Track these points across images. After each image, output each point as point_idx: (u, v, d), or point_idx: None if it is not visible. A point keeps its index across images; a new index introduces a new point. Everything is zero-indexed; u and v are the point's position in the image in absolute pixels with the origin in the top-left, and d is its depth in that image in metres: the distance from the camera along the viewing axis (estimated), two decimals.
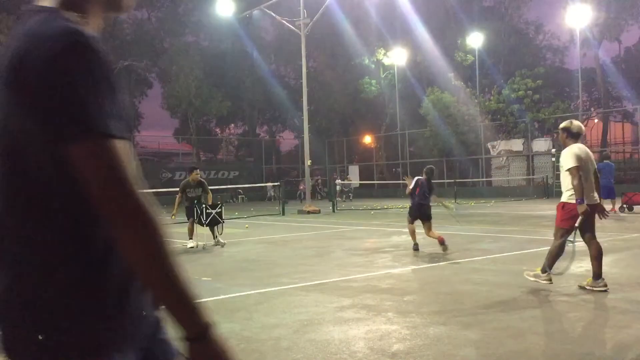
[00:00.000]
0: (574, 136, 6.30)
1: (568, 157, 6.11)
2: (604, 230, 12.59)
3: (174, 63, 39.27)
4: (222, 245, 11.62)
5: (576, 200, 6.00)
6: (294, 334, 4.76)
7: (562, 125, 6.50)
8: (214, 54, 43.62)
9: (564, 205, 6.21)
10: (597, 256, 6.11)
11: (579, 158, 6.05)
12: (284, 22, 25.82)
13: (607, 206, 17.08)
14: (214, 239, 11.73)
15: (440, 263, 8.47)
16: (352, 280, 7.20)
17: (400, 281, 7.08)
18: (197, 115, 41.97)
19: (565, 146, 6.34)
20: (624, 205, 17.72)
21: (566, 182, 6.20)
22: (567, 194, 6.17)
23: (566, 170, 6.13)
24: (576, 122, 6.44)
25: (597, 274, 6.07)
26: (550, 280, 6.22)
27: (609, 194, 16.94)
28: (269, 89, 44.79)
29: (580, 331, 4.59)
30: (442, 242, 9.33)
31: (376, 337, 4.57)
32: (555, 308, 5.56)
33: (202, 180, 12.18)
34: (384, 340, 4.48)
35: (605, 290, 5.99)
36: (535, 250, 9.28)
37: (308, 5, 25.02)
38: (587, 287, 6.13)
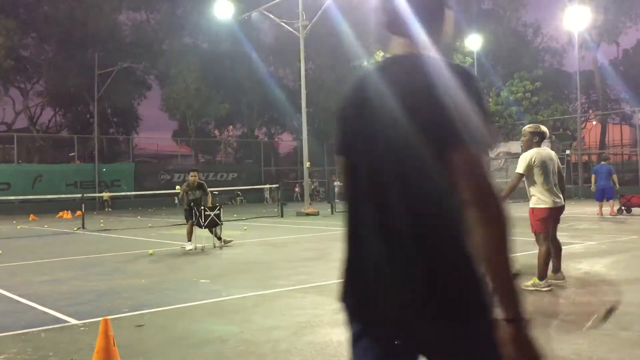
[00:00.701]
0: (542, 139, 6.45)
1: (520, 161, 6.32)
2: (602, 232, 12.61)
3: (173, 65, 39.27)
4: (228, 242, 11.76)
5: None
6: (293, 336, 4.76)
7: (530, 128, 6.56)
8: (213, 56, 43.60)
9: (533, 211, 6.38)
10: (545, 257, 6.29)
11: (529, 167, 6.25)
12: (283, 24, 25.84)
13: (605, 208, 17.19)
14: (219, 240, 11.75)
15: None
16: None
17: None
18: (195, 117, 41.97)
19: (528, 149, 6.45)
20: (622, 208, 17.73)
21: (530, 187, 6.35)
22: (534, 199, 6.34)
23: (516, 172, 6.34)
24: (543, 127, 6.57)
25: (542, 275, 6.28)
26: (550, 287, 6.27)
27: (604, 195, 16.96)
28: (267, 91, 44.79)
29: (578, 333, 4.59)
30: None
31: None
32: (553, 309, 5.57)
33: (201, 182, 12.17)
34: None
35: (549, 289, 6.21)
36: (534, 252, 9.28)
37: (307, 7, 25.05)
38: (530, 287, 6.27)
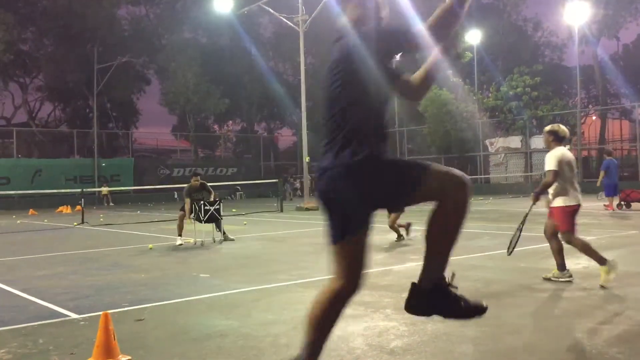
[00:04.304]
0: (560, 139, 6.54)
1: (551, 159, 6.37)
2: (602, 227, 12.62)
3: (172, 59, 39.19)
4: (231, 239, 11.72)
5: (535, 192, 6.53)
6: (293, 330, 4.76)
7: (549, 128, 6.70)
8: (212, 51, 43.50)
9: (562, 209, 6.37)
10: (559, 250, 6.49)
11: (559, 162, 6.29)
12: (283, 18, 25.79)
13: (610, 204, 17.26)
14: (222, 235, 11.77)
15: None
16: None
17: (399, 278, 7.09)
18: (195, 111, 41.89)
19: (550, 149, 6.54)
20: (622, 203, 17.76)
21: (553, 186, 6.39)
22: (560, 200, 6.38)
23: (547, 171, 6.38)
24: (562, 126, 6.69)
25: (562, 265, 6.48)
26: (571, 277, 6.48)
27: (615, 191, 17.12)
28: (267, 86, 44.73)
29: (578, 327, 4.60)
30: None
31: (374, 334, 4.58)
32: (553, 304, 5.58)
33: (202, 182, 12.12)
34: (382, 337, 4.49)
35: (570, 281, 6.37)
36: (533, 247, 9.30)
37: (306, 1, 24.98)
38: (553, 279, 6.49)
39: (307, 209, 22.16)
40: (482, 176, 36.00)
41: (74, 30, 37.76)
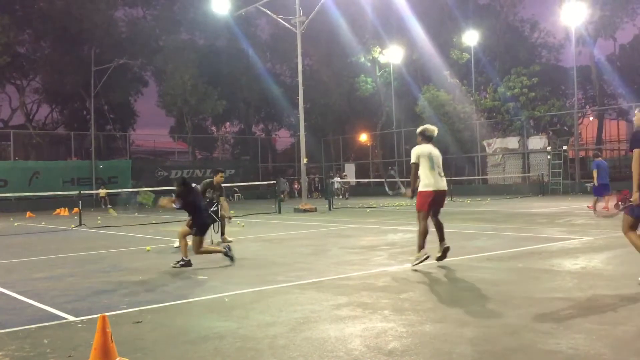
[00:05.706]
0: (427, 139, 7.94)
1: (412, 154, 7.84)
2: (599, 227, 12.64)
3: (170, 61, 39.19)
4: (229, 241, 11.68)
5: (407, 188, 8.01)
6: (290, 332, 4.76)
7: (419, 129, 8.06)
8: (210, 52, 43.53)
9: (420, 193, 7.79)
10: (423, 232, 7.75)
11: (417, 156, 7.76)
12: (280, 20, 25.80)
13: (601, 204, 17.27)
14: (220, 236, 11.74)
15: (436, 261, 8.48)
16: (348, 278, 7.21)
17: (396, 279, 7.09)
18: (192, 113, 41.90)
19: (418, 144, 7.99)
20: (619, 203, 17.79)
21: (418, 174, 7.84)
22: (420, 185, 7.77)
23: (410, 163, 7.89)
24: (430, 127, 8.04)
25: (421, 247, 7.71)
26: (426, 254, 7.65)
27: (603, 191, 17.14)
28: (264, 87, 44.77)
29: (576, 328, 4.60)
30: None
31: (372, 335, 4.58)
32: (551, 305, 5.58)
33: (222, 185, 12.00)
34: (380, 338, 4.49)
35: (426, 257, 7.68)
36: (530, 247, 9.31)
37: (304, 3, 25.01)
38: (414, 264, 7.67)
39: (305, 211, 22.16)
40: (480, 177, 36.05)
41: (71, 32, 37.74)
